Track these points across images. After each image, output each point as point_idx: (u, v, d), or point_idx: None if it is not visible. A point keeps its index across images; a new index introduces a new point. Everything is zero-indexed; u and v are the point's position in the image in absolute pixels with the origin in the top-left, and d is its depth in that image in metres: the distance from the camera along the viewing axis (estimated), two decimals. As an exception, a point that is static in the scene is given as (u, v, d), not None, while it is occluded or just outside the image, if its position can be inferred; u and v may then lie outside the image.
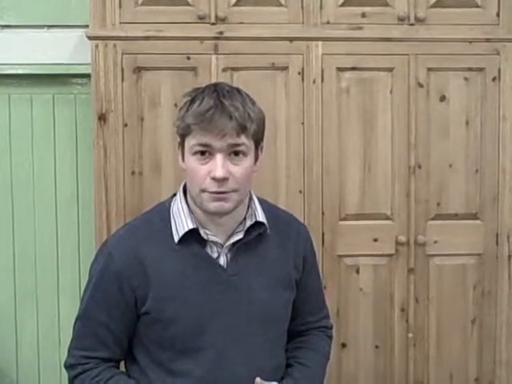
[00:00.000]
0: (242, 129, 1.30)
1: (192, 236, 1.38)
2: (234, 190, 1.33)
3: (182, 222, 1.38)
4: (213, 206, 1.33)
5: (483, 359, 2.43)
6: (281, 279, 1.45)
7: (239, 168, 1.32)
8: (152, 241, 1.39)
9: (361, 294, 2.38)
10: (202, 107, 1.29)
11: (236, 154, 1.32)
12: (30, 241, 2.73)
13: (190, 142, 1.32)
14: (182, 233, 1.37)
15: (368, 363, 2.40)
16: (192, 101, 1.33)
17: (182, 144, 1.37)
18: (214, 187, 1.31)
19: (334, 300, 2.32)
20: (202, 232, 1.38)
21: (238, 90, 1.37)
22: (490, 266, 2.40)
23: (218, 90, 1.33)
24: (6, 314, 2.75)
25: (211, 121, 1.28)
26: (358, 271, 2.37)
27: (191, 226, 1.37)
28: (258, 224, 1.42)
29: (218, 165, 1.29)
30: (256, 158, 1.39)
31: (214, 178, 1.30)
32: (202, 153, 1.31)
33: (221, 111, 1.29)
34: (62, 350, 1.58)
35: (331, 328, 1.62)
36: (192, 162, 1.33)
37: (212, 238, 1.38)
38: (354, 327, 2.38)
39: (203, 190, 1.32)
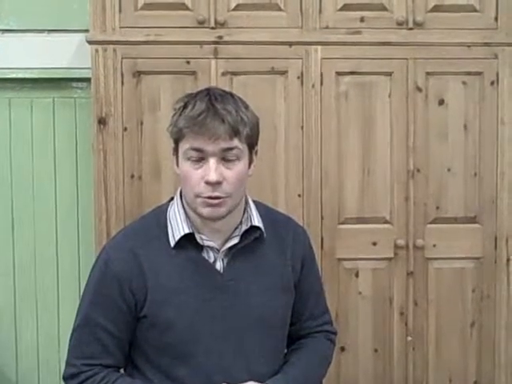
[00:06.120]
0: (235, 132, 1.30)
1: (188, 241, 1.37)
2: (228, 195, 1.32)
3: (177, 226, 1.38)
4: (206, 211, 1.33)
5: (482, 362, 2.42)
6: (279, 283, 1.44)
7: (232, 172, 1.32)
8: (149, 245, 1.39)
9: (360, 298, 2.38)
10: (195, 111, 1.29)
11: (229, 158, 1.31)
12: (29, 245, 2.73)
13: (184, 147, 1.32)
14: (177, 237, 1.37)
15: (367, 367, 2.39)
16: (185, 106, 1.33)
17: (176, 149, 1.37)
18: (207, 192, 1.31)
19: (332, 303, 2.30)
20: (197, 237, 1.37)
21: (231, 94, 1.37)
22: (489, 269, 2.40)
23: (210, 95, 1.33)
24: (5, 319, 2.74)
25: (203, 124, 1.28)
26: (357, 275, 2.37)
27: (187, 231, 1.37)
28: (254, 228, 1.41)
29: (211, 169, 1.29)
30: (250, 162, 1.38)
31: (207, 183, 1.30)
32: (196, 157, 1.31)
33: (213, 115, 1.29)
34: (62, 354, 1.58)
35: (333, 333, 1.59)
36: (186, 166, 1.33)
37: (208, 243, 1.38)
38: (353, 331, 2.38)
39: (197, 195, 1.32)
